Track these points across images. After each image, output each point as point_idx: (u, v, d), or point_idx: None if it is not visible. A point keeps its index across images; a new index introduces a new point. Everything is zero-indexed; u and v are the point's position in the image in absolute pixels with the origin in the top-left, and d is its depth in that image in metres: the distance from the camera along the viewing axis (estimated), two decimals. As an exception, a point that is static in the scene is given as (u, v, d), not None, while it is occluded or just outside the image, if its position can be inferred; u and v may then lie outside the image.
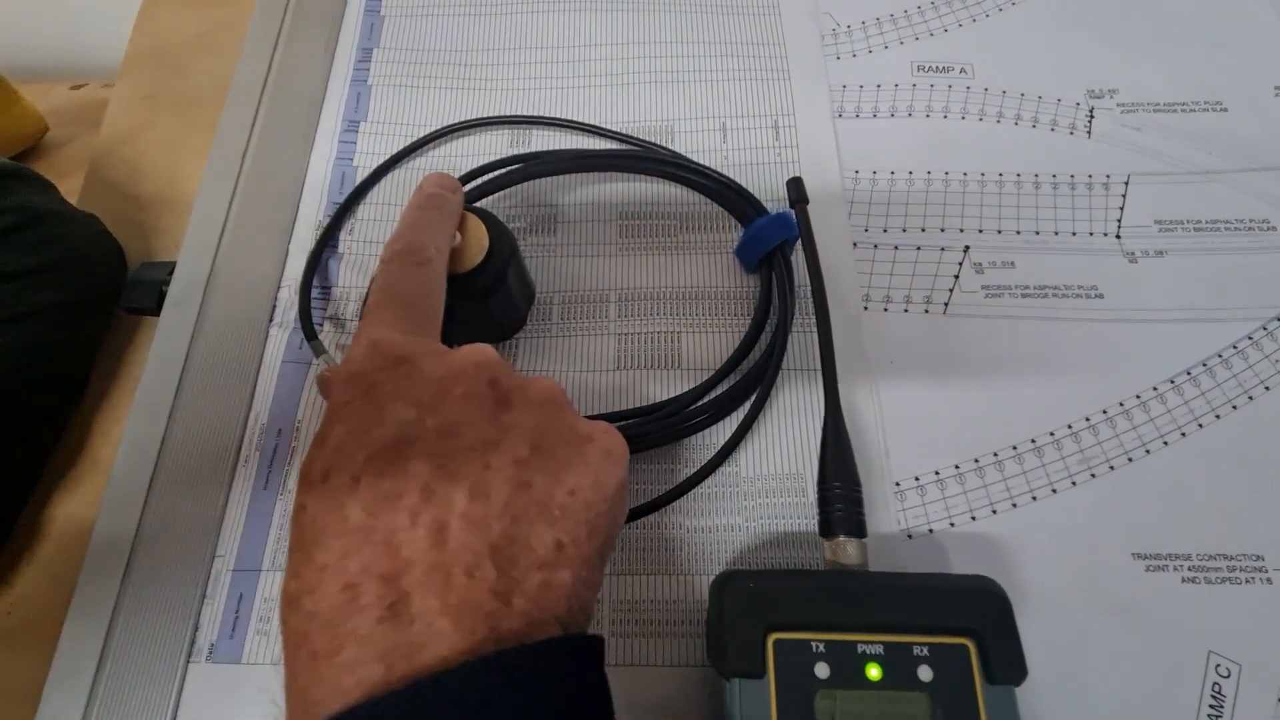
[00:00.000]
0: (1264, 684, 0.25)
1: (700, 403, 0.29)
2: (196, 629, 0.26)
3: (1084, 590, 0.27)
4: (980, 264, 0.33)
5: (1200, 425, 0.29)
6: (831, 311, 0.29)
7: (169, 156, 0.37)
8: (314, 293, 0.32)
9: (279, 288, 0.32)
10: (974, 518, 0.28)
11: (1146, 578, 0.27)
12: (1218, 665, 0.26)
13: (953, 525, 0.28)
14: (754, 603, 0.21)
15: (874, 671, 0.21)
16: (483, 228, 0.28)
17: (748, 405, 0.30)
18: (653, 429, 0.29)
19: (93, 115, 0.39)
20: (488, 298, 0.29)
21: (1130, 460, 0.29)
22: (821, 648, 0.21)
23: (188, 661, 0.26)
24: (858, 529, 0.24)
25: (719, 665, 0.21)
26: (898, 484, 0.29)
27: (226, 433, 0.29)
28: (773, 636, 0.21)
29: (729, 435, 0.29)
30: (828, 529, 0.24)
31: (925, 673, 0.21)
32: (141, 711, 0.25)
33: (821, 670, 0.21)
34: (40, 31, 0.67)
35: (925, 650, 0.21)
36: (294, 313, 0.31)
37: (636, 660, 0.26)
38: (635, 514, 0.28)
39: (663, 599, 0.27)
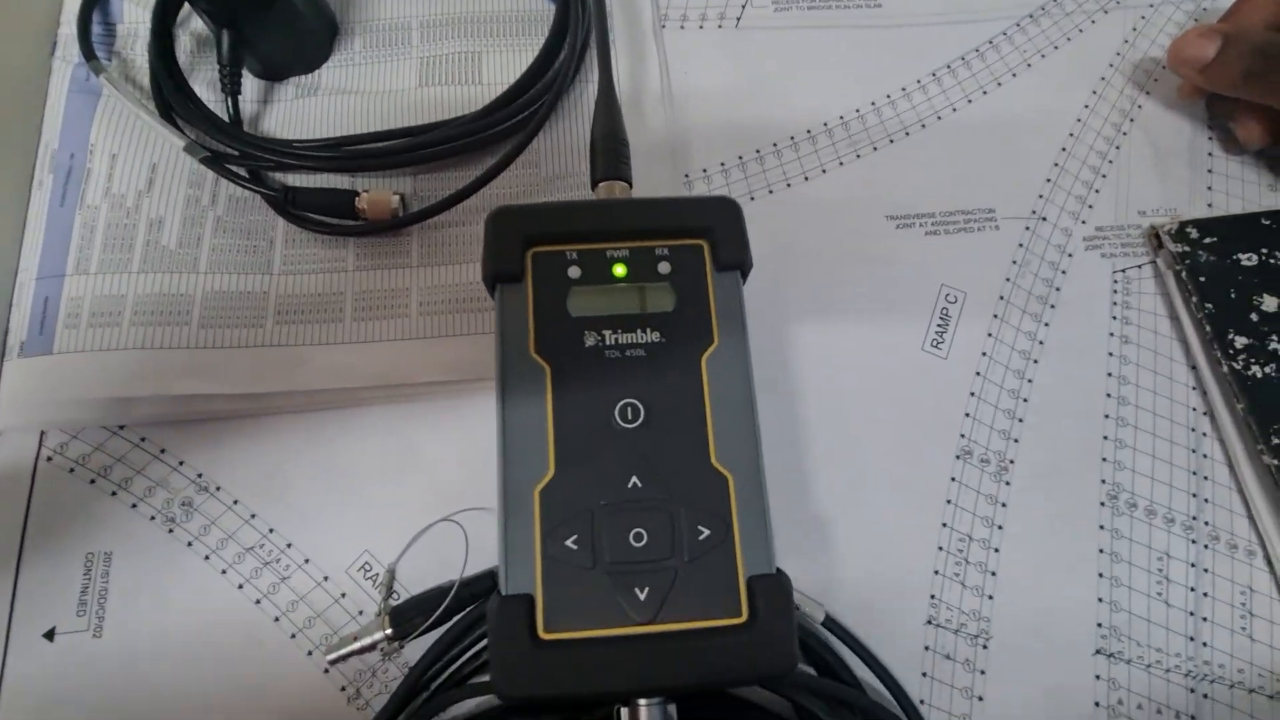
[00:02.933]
0: (982, 305, 0.30)
1: (500, 112, 0.31)
2: (6, 333, 0.27)
3: (843, 246, 0.30)
4: (771, -18, 0.34)
5: (954, 110, 0.33)
6: (629, 30, 0.30)
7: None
8: (99, 29, 0.31)
9: (59, 25, 0.31)
10: (753, 198, 0.31)
11: (896, 234, 0.31)
12: (947, 294, 0.30)
13: (733, 205, 0.31)
14: (515, 223, 0.24)
15: (620, 270, 0.23)
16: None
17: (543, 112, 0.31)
18: (452, 136, 0.30)
19: None
20: (269, 5, 0.29)
21: (892, 142, 0.32)
22: (574, 255, 0.23)
23: (1, 360, 0.27)
24: (623, 175, 0.26)
25: (485, 279, 0.24)
26: (686, 176, 0.31)
27: (18, 160, 0.29)
28: (532, 250, 0.23)
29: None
30: (594, 177, 0.26)
31: (665, 267, 0.24)
32: (-44, 401, 0.26)
33: (574, 272, 0.23)
34: None
35: (665, 250, 0.24)
36: (76, 47, 0.30)
37: (444, 332, 0.28)
38: (440, 208, 0.29)
39: (464, 282, 0.29)
